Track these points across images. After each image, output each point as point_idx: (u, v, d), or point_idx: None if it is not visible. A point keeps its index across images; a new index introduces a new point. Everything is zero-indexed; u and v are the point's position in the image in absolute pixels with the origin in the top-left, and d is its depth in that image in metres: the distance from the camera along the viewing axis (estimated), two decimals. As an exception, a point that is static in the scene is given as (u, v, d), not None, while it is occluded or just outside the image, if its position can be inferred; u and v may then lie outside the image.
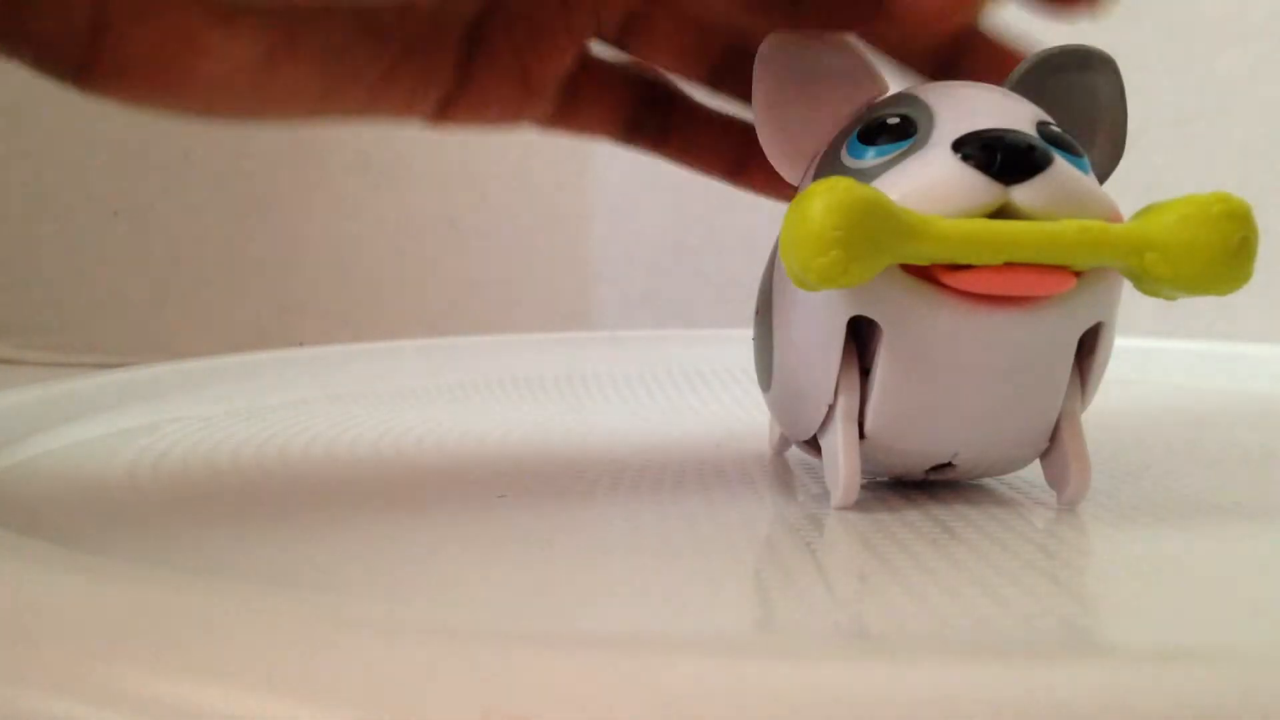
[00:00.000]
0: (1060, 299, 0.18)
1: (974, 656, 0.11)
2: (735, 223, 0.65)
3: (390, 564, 0.18)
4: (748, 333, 0.24)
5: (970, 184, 0.18)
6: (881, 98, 0.21)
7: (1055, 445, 0.20)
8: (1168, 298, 0.18)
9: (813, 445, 0.22)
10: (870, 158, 0.19)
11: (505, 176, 0.72)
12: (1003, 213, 0.18)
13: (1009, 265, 0.18)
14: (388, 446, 0.28)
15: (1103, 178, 0.21)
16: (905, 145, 0.19)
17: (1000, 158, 0.18)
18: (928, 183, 0.18)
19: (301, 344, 0.46)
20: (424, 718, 0.10)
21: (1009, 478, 0.23)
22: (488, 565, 0.18)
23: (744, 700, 0.10)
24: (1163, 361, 0.41)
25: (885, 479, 0.23)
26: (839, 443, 0.20)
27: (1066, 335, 0.19)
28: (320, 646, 0.11)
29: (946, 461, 0.21)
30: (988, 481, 0.23)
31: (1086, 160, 0.20)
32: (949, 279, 0.18)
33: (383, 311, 0.72)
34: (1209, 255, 0.17)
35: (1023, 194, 0.18)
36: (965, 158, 0.18)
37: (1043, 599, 0.15)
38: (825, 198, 0.17)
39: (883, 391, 0.19)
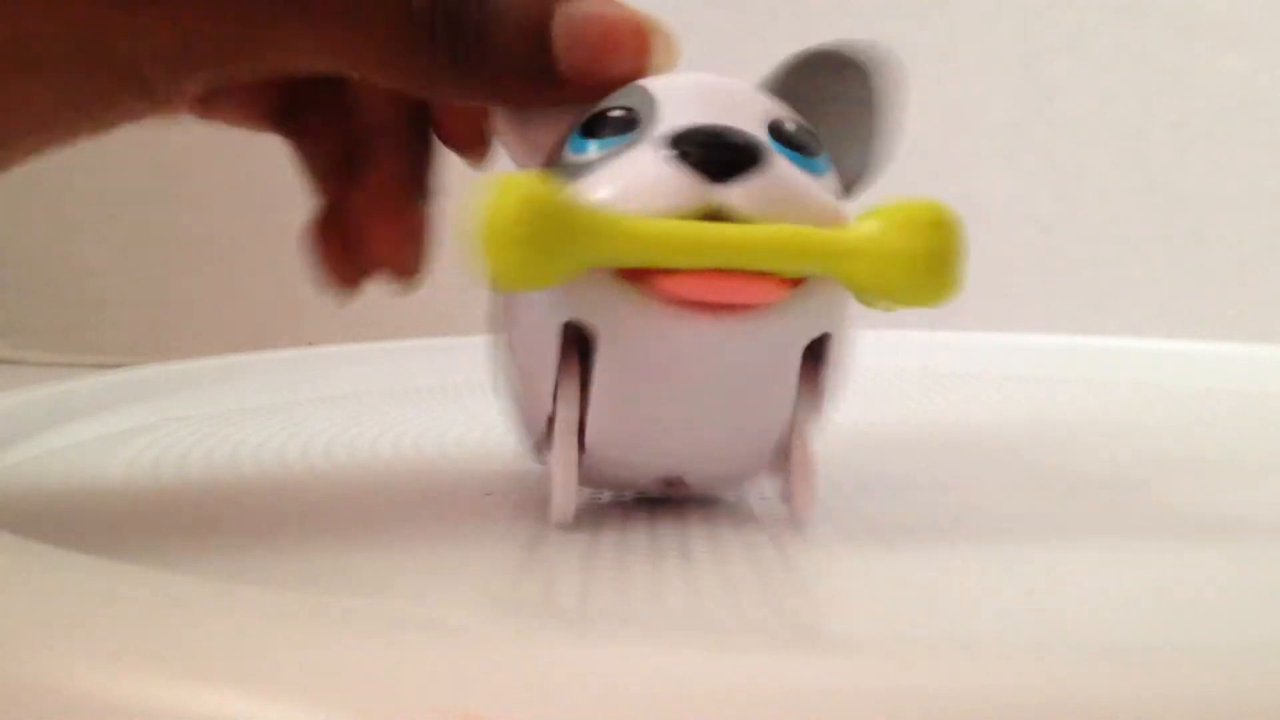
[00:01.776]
0: (779, 308, 0.17)
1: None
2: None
3: (386, 564, 0.18)
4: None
5: (676, 182, 0.17)
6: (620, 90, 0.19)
7: (785, 460, 0.19)
8: (885, 308, 0.17)
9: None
10: (591, 152, 0.18)
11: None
12: (718, 214, 0.17)
13: (716, 271, 0.16)
14: (386, 447, 0.28)
15: (852, 183, 0.20)
16: (626, 139, 0.18)
17: (705, 155, 0.17)
18: (635, 180, 0.17)
19: (310, 344, 0.46)
20: (419, 714, 0.10)
21: (752, 493, 0.22)
22: (469, 563, 0.18)
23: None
24: (1166, 362, 0.41)
25: (628, 495, 0.22)
26: (555, 457, 0.19)
27: (787, 346, 0.18)
28: (316, 646, 0.11)
29: (678, 476, 0.20)
30: (728, 497, 0.22)
31: (822, 161, 0.18)
32: (657, 283, 0.17)
33: (383, 311, 0.72)
34: (910, 264, 0.16)
35: (732, 194, 0.17)
36: (671, 155, 0.17)
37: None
38: (503, 195, 0.16)
39: (599, 402, 0.18)
